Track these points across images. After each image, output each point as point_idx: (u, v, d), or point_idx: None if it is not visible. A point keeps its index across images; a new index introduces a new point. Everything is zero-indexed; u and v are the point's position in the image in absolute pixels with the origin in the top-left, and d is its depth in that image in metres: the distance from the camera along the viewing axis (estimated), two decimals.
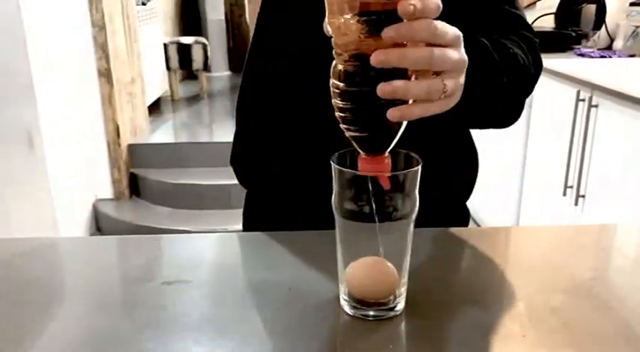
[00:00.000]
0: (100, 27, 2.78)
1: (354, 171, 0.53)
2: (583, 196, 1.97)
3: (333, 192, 0.56)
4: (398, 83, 0.47)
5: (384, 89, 0.46)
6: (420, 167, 0.54)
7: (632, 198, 1.73)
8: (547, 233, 0.79)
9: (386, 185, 0.52)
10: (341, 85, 0.49)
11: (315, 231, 0.68)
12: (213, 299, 0.61)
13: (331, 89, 0.50)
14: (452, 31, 0.49)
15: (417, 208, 0.55)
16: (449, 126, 0.74)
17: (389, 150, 0.52)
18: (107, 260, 0.71)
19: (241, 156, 0.82)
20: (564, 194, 2.05)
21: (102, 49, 2.82)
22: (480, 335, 0.54)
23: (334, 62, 0.49)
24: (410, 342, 0.54)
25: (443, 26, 0.48)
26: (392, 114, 0.48)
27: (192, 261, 0.71)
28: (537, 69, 0.71)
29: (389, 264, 0.57)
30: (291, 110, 0.75)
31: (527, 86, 0.71)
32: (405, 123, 0.51)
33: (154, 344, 0.53)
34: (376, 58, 0.46)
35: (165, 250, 0.74)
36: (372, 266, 0.56)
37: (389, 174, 0.52)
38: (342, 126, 0.51)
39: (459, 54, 0.50)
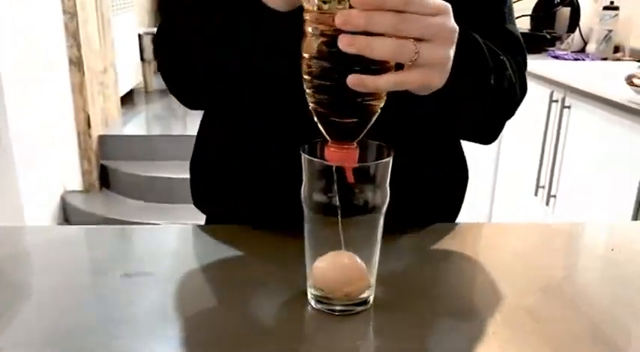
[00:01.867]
0: (71, 14, 2.71)
1: (322, 161, 0.51)
2: (554, 196, 1.99)
3: (303, 183, 0.54)
4: (360, 37, 0.43)
5: (342, 40, 0.43)
6: (391, 158, 0.52)
7: (602, 198, 1.75)
8: (517, 230, 0.78)
9: (350, 178, 0.50)
10: (308, 57, 0.47)
11: (284, 224, 0.67)
12: (174, 293, 0.58)
13: (302, 65, 0.48)
14: (434, 1, 0.45)
15: (387, 201, 0.54)
16: (432, 127, 0.71)
17: (357, 139, 0.50)
18: (68, 250, 0.68)
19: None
20: (536, 194, 2.07)
21: (73, 36, 2.75)
22: (450, 331, 0.53)
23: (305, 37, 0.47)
24: (378, 338, 0.52)
25: None
26: (351, 81, 0.44)
27: (156, 253, 0.68)
28: (522, 93, 0.70)
29: (357, 259, 0.55)
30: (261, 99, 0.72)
31: (510, 104, 0.68)
32: (376, 114, 0.49)
33: (109, 337, 0.51)
34: (339, 20, 0.43)
35: (129, 241, 0.72)
36: (339, 261, 0.55)
37: (355, 165, 0.50)
38: (310, 106, 0.49)
39: (442, 20, 0.46)
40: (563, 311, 0.56)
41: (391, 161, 0.52)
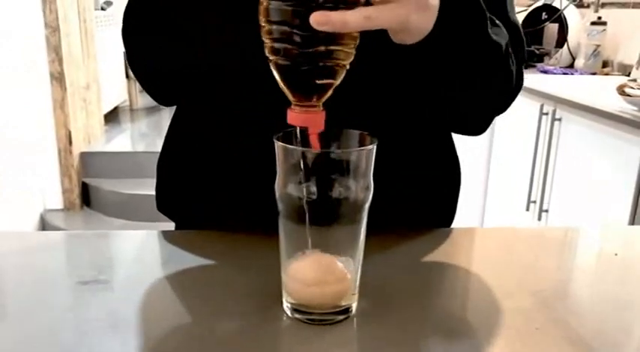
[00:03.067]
0: (53, 28, 2.65)
1: (297, 148, 0.45)
2: (546, 211, 1.94)
3: (277, 176, 0.48)
4: None
5: None
6: (374, 146, 0.47)
7: (595, 211, 1.71)
8: (512, 234, 0.73)
9: (315, 145, 0.45)
10: (266, 1, 0.42)
11: (257, 228, 0.60)
12: (130, 302, 0.52)
13: (259, 13, 0.43)
14: None
15: (370, 196, 0.48)
16: (421, 107, 0.65)
17: (322, 100, 0.45)
18: (25, 256, 0.62)
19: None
20: (527, 209, 2.02)
21: (55, 51, 2.69)
22: (441, 342, 0.47)
23: None
24: (361, 349, 0.46)
25: None
26: (315, 18, 0.39)
27: (116, 260, 0.62)
28: (518, 84, 0.64)
29: (338, 264, 0.49)
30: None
31: (507, 82, 0.62)
32: (344, 70, 0.44)
33: (59, 348, 0.44)
34: None
35: (88, 247, 0.65)
36: (316, 259, 0.48)
37: (321, 129, 0.45)
38: (270, 59, 0.44)
39: None
40: (564, 316, 0.51)
41: (374, 150, 0.47)
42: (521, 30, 0.67)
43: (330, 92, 0.46)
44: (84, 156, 3.03)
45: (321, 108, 0.46)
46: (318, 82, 0.44)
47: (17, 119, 2.51)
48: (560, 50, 2.60)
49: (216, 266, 0.59)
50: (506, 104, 0.66)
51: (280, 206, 0.49)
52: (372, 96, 0.62)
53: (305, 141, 0.46)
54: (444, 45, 0.51)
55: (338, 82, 0.45)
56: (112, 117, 3.91)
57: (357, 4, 0.41)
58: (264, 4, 0.42)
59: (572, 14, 2.59)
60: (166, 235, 0.66)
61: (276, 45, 0.43)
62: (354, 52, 0.44)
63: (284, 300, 0.50)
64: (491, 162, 2.27)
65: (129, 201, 2.92)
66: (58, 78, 2.74)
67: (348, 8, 0.41)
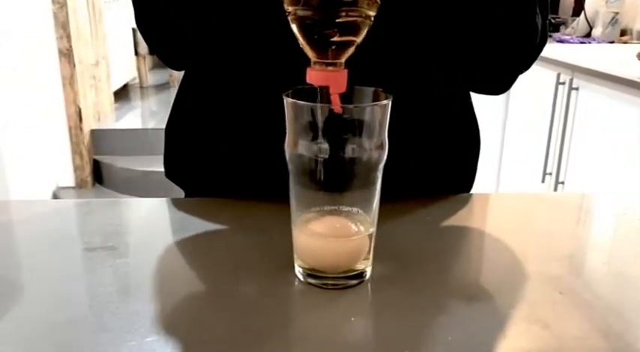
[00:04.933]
0: (60, 4, 2.63)
1: (307, 103, 0.43)
2: (562, 183, 1.90)
3: (286, 136, 0.46)
4: None
5: None
6: (389, 102, 0.44)
7: (613, 183, 1.67)
8: (533, 199, 0.70)
9: (337, 106, 0.42)
10: None
11: (268, 194, 0.59)
12: (141, 268, 0.50)
13: None
14: None
15: (385, 155, 0.46)
16: (442, 59, 0.63)
17: (345, 56, 0.43)
18: (35, 224, 0.60)
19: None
20: (543, 181, 1.98)
21: (63, 27, 2.66)
22: (459, 307, 0.45)
23: None
24: (375, 314, 0.44)
25: None
26: None
27: (125, 227, 0.60)
28: (542, 40, 0.62)
29: (352, 227, 0.47)
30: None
31: (531, 46, 0.60)
32: (367, 26, 0.42)
33: (67, 314, 0.43)
34: None
35: (97, 215, 0.64)
36: (330, 228, 0.46)
37: (343, 90, 0.42)
38: (291, 17, 0.42)
39: None
40: (589, 281, 0.48)
41: (389, 106, 0.44)
42: None
43: (352, 49, 0.43)
44: (94, 133, 3.03)
45: (343, 66, 0.43)
46: (340, 36, 0.42)
47: (27, 96, 2.50)
48: (577, 19, 2.53)
49: (226, 233, 0.57)
50: (530, 59, 0.63)
51: (290, 167, 0.46)
52: (391, 55, 0.60)
53: (325, 102, 0.43)
54: None
55: (360, 38, 0.43)
56: (121, 94, 3.90)
57: None
58: None
59: None
60: (176, 203, 0.65)
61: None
62: (378, 2, 0.42)
63: (296, 265, 0.49)
64: (506, 134, 2.23)
65: (141, 178, 2.93)
66: (67, 54, 2.72)
67: None
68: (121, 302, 0.45)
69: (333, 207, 0.47)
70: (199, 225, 0.59)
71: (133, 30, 4.09)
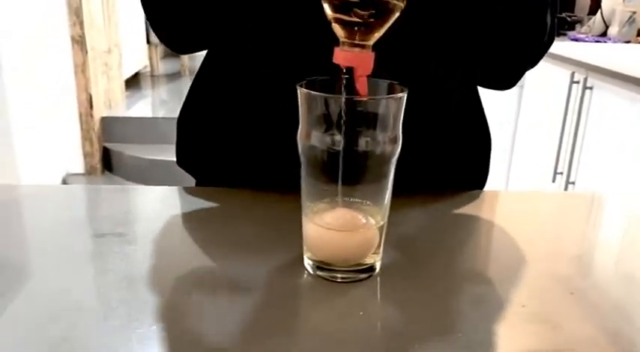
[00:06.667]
0: None
1: (321, 94, 0.43)
2: (573, 183, 1.89)
3: (299, 126, 0.46)
4: None
5: None
6: (404, 95, 0.44)
7: (624, 186, 1.66)
8: (545, 197, 0.69)
9: (362, 89, 0.42)
10: None
11: (279, 184, 0.58)
12: (150, 256, 0.50)
13: None
14: None
15: (398, 149, 0.45)
16: (458, 48, 0.63)
17: (374, 39, 0.42)
18: (42, 208, 0.60)
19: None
20: (553, 180, 1.97)
21: (76, 14, 2.67)
22: (470, 302, 0.44)
23: None
24: (384, 307, 0.44)
25: None
26: None
27: (135, 214, 0.60)
28: (550, 37, 0.61)
29: (362, 220, 0.47)
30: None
31: (539, 43, 0.60)
32: (396, 13, 0.42)
33: (73, 300, 0.43)
34: None
35: (107, 201, 0.64)
36: (340, 219, 0.46)
37: (368, 73, 0.42)
38: None
39: None
40: (599, 282, 0.48)
41: (404, 99, 0.44)
42: None
43: (380, 33, 0.43)
44: (105, 120, 3.04)
45: (370, 49, 0.43)
46: (372, 24, 0.41)
47: (39, 82, 2.51)
48: (593, 17, 2.50)
49: (236, 223, 0.57)
50: (538, 56, 0.63)
51: (302, 158, 0.46)
52: (407, 47, 0.59)
53: (349, 85, 0.43)
54: None
55: (389, 23, 0.42)
56: (133, 82, 3.91)
57: None
58: None
59: None
60: (186, 190, 0.64)
61: None
62: None
63: (305, 257, 0.48)
64: (518, 132, 2.21)
65: (150, 166, 2.93)
66: (79, 41, 2.72)
67: None
68: (128, 289, 0.44)
69: (344, 199, 0.46)
70: (209, 214, 0.59)
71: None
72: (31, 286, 0.45)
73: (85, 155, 2.93)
